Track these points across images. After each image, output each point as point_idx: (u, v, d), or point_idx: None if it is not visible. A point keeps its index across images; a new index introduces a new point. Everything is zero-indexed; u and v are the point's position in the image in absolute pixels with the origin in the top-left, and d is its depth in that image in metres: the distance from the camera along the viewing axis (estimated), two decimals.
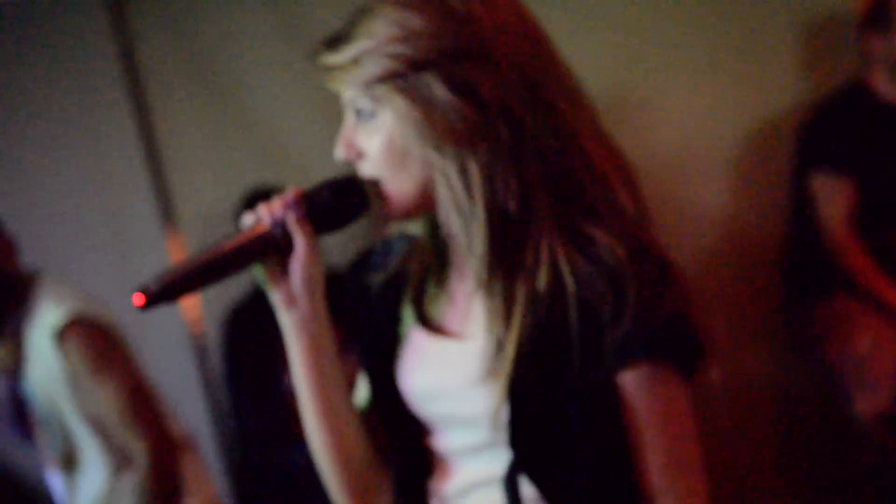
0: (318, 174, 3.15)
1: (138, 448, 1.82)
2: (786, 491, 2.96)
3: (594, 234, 0.95)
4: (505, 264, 0.96)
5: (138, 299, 0.95)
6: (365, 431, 1.07)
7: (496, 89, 0.94)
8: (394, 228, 1.06)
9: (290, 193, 1.00)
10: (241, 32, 2.91)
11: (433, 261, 1.05)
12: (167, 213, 2.90)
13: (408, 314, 1.06)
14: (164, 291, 0.95)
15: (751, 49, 2.88)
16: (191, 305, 2.88)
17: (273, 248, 1.00)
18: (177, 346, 2.87)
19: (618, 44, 2.83)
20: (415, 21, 0.95)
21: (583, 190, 0.96)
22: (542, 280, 0.95)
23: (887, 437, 2.50)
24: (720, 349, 0.98)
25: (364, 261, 1.11)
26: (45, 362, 1.85)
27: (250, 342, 2.72)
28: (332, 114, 3.25)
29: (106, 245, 2.92)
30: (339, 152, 1.01)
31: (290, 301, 1.01)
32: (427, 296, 1.06)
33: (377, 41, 0.95)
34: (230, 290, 2.75)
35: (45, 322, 1.85)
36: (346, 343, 2.05)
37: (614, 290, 0.93)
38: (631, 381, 0.94)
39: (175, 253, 2.89)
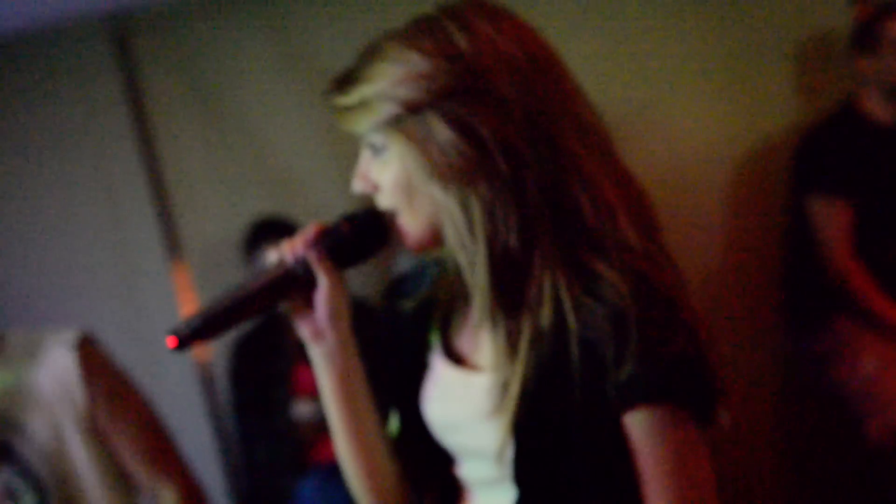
0: (321, 203, 3.14)
1: (167, 495, 1.62)
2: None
3: (599, 270, 0.93)
4: (508, 299, 0.96)
5: (171, 342, 0.97)
6: (395, 459, 1.08)
7: (496, 126, 0.94)
8: (409, 257, 1.07)
9: (311, 230, 1.01)
10: (245, 64, 2.92)
11: (459, 288, 1.04)
12: (172, 244, 2.91)
13: (435, 341, 1.07)
14: (195, 333, 0.98)
15: (748, 70, 2.89)
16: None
17: (297, 285, 1.01)
18: (183, 375, 2.87)
19: (619, 63, 2.84)
20: (416, 62, 0.95)
21: (589, 225, 0.95)
22: (546, 317, 0.94)
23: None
24: (733, 389, 0.96)
25: (397, 286, 1.12)
26: (61, 386, 1.60)
27: (257, 372, 2.70)
28: (333, 144, 3.26)
29: (112, 275, 2.93)
30: (356, 185, 1.01)
31: (317, 335, 1.02)
32: (452, 324, 1.06)
33: (381, 84, 0.96)
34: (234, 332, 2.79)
35: (59, 341, 1.64)
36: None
37: (617, 331, 0.91)
38: (635, 423, 0.93)
39: (180, 283, 2.89)
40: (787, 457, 2.95)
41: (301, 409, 2.61)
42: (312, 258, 0.99)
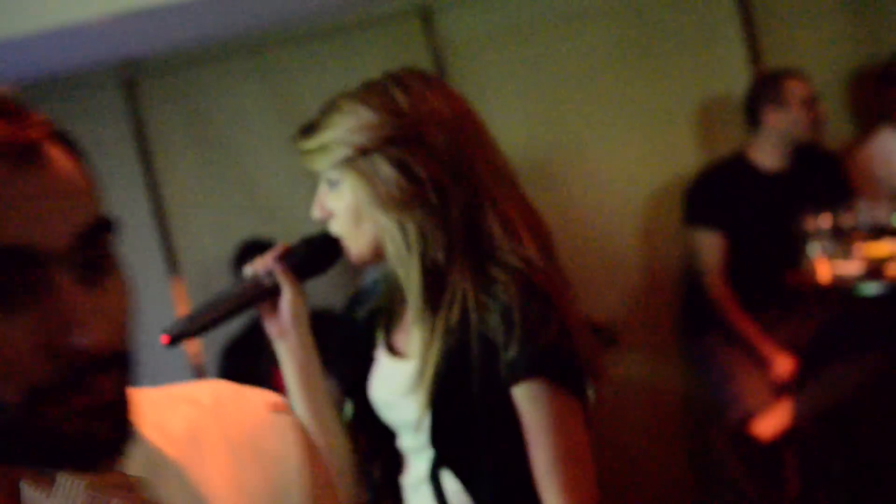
0: (299, 226, 3.44)
1: None
2: (687, 483, 3.16)
3: (496, 275, 1.12)
4: (434, 301, 1.14)
5: (164, 339, 1.14)
6: (347, 434, 1.25)
7: (428, 166, 1.12)
8: (373, 274, 1.30)
9: (277, 250, 1.20)
10: (236, 107, 3.10)
11: (398, 297, 1.22)
12: (172, 263, 3.12)
13: (379, 339, 1.26)
14: (183, 333, 1.15)
15: (658, 122, 3.15)
16: (192, 341, 3.11)
17: (266, 293, 1.20)
18: (180, 379, 3.13)
19: (549, 119, 3.11)
20: (366, 115, 1.14)
21: (494, 242, 1.13)
22: (454, 317, 1.13)
23: (730, 451, 2.71)
24: (604, 369, 1.14)
25: (354, 301, 1.33)
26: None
27: (242, 372, 2.81)
28: (309, 177, 3.56)
29: None
30: (315, 212, 1.21)
31: (282, 333, 1.21)
32: (392, 325, 1.25)
33: (337, 132, 1.15)
34: (227, 326, 3.02)
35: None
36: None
37: (505, 322, 1.09)
38: (520, 395, 1.10)
39: (179, 297, 3.11)
40: (684, 431, 3.14)
41: None
42: (278, 271, 1.18)
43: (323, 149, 1.17)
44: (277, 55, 3.13)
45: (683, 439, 3.17)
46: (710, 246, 2.81)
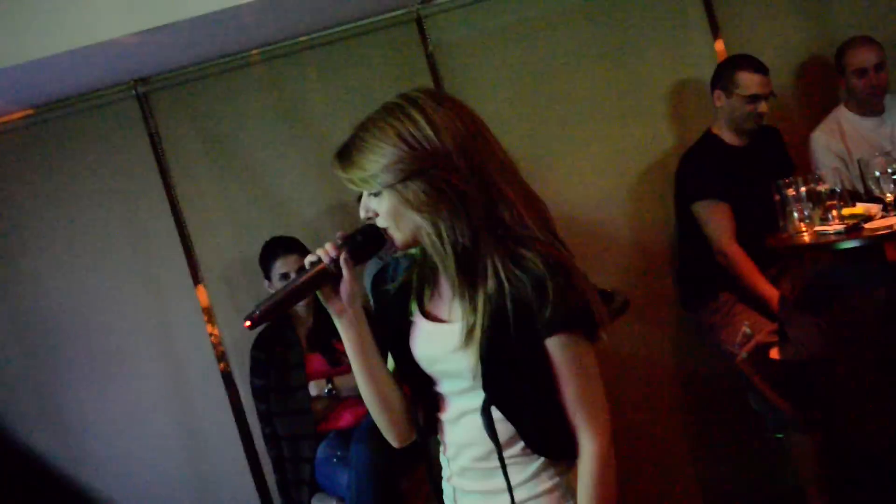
0: (311, 223, 3.53)
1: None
2: (687, 446, 3.33)
3: (524, 254, 1.32)
4: (468, 278, 1.35)
5: (247, 324, 1.32)
6: (393, 383, 1.48)
7: (451, 178, 1.32)
8: (398, 253, 1.45)
9: (338, 239, 1.39)
10: (243, 115, 3.20)
11: (428, 273, 1.44)
12: (193, 269, 3.22)
13: (413, 308, 1.46)
14: (261, 317, 1.34)
15: (635, 110, 3.30)
16: (216, 343, 3.21)
17: (329, 278, 1.38)
18: (206, 374, 3.20)
19: (535, 113, 3.25)
20: (393, 154, 1.32)
21: (511, 227, 1.34)
22: (491, 287, 1.33)
23: (752, 373, 2.78)
24: (607, 318, 1.35)
25: (380, 276, 1.51)
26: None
27: (276, 362, 2.95)
28: (319, 178, 3.68)
29: (147, 298, 3.23)
30: (362, 213, 1.39)
31: (341, 311, 1.41)
32: (425, 296, 1.46)
33: (371, 171, 1.34)
34: (246, 336, 3.07)
35: None
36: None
37: (538, 290, 1.30)
38: (554, 346, 1.33)
39: (202, 300, 3.20)
40: (681, 400, 3.31)
41: (313, 389, 2.91)
42: (343, 258, 1.38)
43: (363, 180, 1.36)
44: (281, 65, 3.22)
45: (680, 402, 3.33)
46: (718, 214, 2.94)
